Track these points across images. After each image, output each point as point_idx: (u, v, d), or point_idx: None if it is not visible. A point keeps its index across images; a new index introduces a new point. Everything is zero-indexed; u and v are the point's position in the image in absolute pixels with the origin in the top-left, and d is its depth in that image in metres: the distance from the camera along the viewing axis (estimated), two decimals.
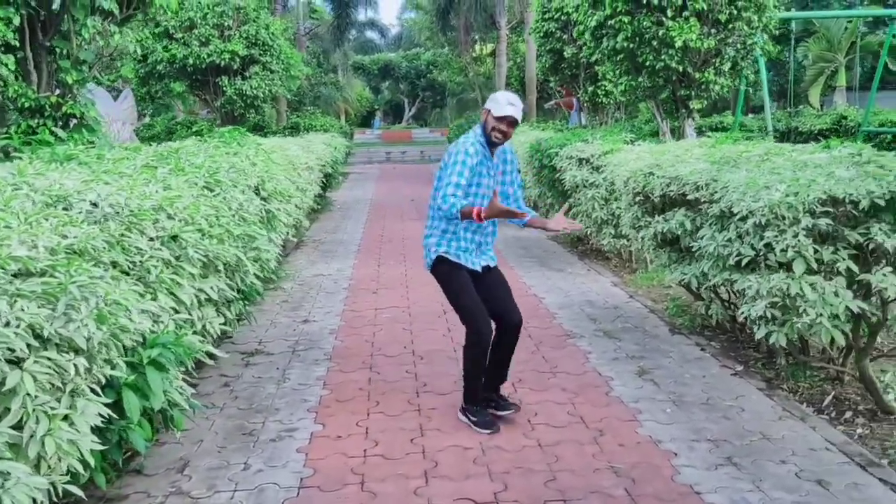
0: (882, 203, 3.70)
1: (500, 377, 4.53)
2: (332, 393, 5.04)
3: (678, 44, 7.86)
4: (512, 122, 4.13)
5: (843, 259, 3.87)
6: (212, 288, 3.91)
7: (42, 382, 2.26)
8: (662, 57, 8.14)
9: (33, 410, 2.31)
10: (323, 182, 14.03)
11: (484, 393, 4.45)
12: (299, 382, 5.25)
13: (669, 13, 7.95)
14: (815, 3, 25.45)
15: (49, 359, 2.29)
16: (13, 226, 2.55)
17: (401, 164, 33.01)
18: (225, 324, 4.76)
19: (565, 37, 13.94)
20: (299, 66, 20.40)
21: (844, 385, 4.87)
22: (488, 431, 4.26)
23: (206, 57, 13.91)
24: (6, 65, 5.33)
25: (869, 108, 14.26)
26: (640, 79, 8.65)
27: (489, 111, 4.16)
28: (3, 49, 5.43)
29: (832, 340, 4.24)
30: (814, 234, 3.89)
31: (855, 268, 3.87)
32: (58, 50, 5.90)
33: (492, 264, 4.48)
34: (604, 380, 5.16)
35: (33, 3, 5.61)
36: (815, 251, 3.92)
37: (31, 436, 2.31)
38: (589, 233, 9.03)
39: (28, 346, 2.25)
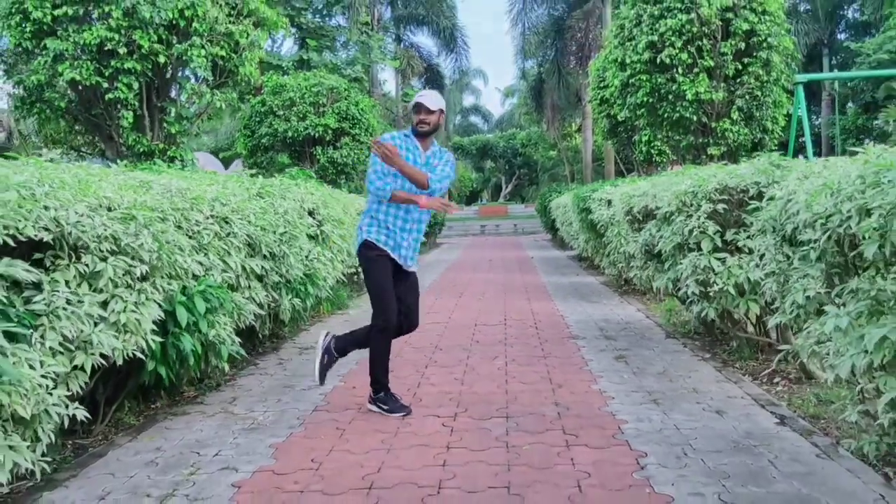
0: (765, 191, 4.65)
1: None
2: (360, 367, 6.23)
3: (689, 96, 8.93)
4: (424, 109, 4.62)
5: (743, 239, 4.81)
6: (256, 265, 5.26)
7: (119, 275, 3.61)
8: (678, 109, 9.21)
9: (112, 296, 3.66)
10: None
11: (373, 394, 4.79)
12: (338, 362, 6.47)
13: (681, 70, 9.06)
14: (855, 63, 25.87)
15: (124, 261, 3.64)
16: (109, 193, 3.96)
17: (493, 236, 34.50)
18: (275, 304, 6.08)
19: (619, 101, 15.17)
20: None
21: (789, 364, 5.64)
22: (401, 414, 4.63)
23: (302, 130, 15.97)
24: (126, 118, 7.09)
25: None
26: (660, 130, 9.74)
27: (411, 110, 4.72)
28: (125, 107, 7.22)
29: (762, 314, 5.13)
30: (716, 218, 4.85)
31: (752, 245, 4.79)
32: (166, 108, 7.68)
33: (413, 268, 4.83)
34: (584, 360, 6.12)
35: (149, 74, 7.42)
36: (722, 233, 4.88)
37: (112, 311, 3.65)
38: (621, 268, 9.96)
39: (111, 252, 3.62)
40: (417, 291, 4.93)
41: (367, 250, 4.67)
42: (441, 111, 4.74)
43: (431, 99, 4.68)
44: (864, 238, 2.49)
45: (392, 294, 4.61)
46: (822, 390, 4.78)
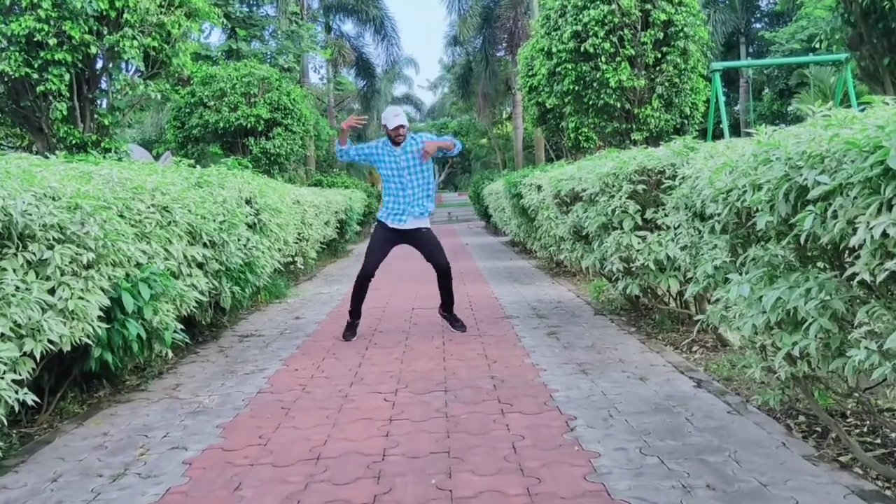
0: (679, 171, 4.99)
1: (447, 301, 6.82)
2: (301, 351, 6.39)
3: (612, 84, 9.33)
4: (402, 126, 6.45)
5: (661, 217, 5.15)
6: (197, 253, 5.36)
7: (65, 262, 3.70)
8: (602, 96, 9.61)
9: (60, 283, 3.75)
10: (338, 229, 15.61)
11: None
12: (279, 348, 6.61)
13: (604, 59, 9.46)
14: (770, 52, 27.17)
15: (70, 249, 3.73)
16: (53, 182, 4.03)
17: None
18: (216, 291, 6.18)
19: (547, 89, 15.55)
20: (325, 130, 22.49)
21: (706, 334, 6.05)
22: (343, 339, 6.65)
23: (234, 120, 15.87)
24: (60, 110, 7.04)
25: None
26: (587, 117, 10.15)
27: (386, 126, 6.52)
28: (56, 99, 7.16)
29: (681, 288, 5.47)
30: (636, 198, 5.19)
31: (669, 222, 5.14)
32: (97, 99, 7.65)
33: (423, 227, 6.72)
34: (518, 337, 6.42)
35: (80, 65, 7.37)
36: (642, 212, 5.21)
37: (60, 298, 3.74)
38: (552, 251, 10.32)
39: (58, 240, 3.71)
40: (433, 240, 6.80)
41: (376, 224, 6.83)
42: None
43: (404, 118, 6.54)
44: (757, 210, 2.81)
45: (374, 254, 6.73)
46: (735, 356, 5.18)
